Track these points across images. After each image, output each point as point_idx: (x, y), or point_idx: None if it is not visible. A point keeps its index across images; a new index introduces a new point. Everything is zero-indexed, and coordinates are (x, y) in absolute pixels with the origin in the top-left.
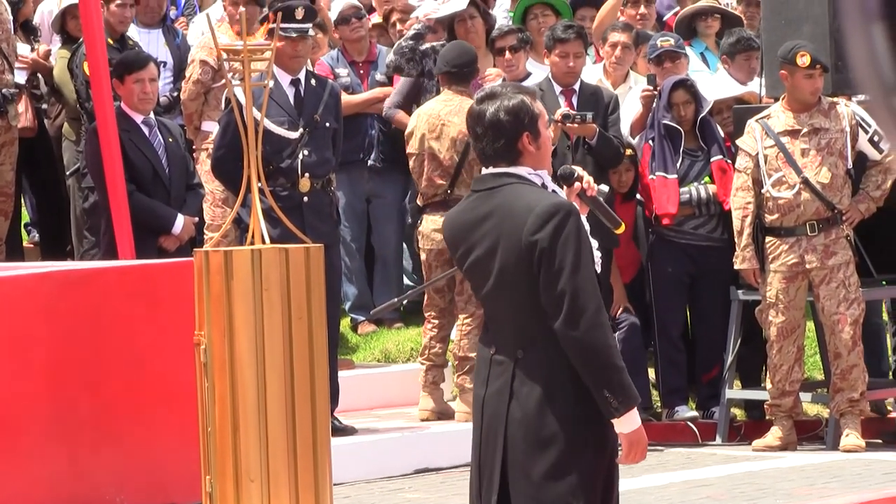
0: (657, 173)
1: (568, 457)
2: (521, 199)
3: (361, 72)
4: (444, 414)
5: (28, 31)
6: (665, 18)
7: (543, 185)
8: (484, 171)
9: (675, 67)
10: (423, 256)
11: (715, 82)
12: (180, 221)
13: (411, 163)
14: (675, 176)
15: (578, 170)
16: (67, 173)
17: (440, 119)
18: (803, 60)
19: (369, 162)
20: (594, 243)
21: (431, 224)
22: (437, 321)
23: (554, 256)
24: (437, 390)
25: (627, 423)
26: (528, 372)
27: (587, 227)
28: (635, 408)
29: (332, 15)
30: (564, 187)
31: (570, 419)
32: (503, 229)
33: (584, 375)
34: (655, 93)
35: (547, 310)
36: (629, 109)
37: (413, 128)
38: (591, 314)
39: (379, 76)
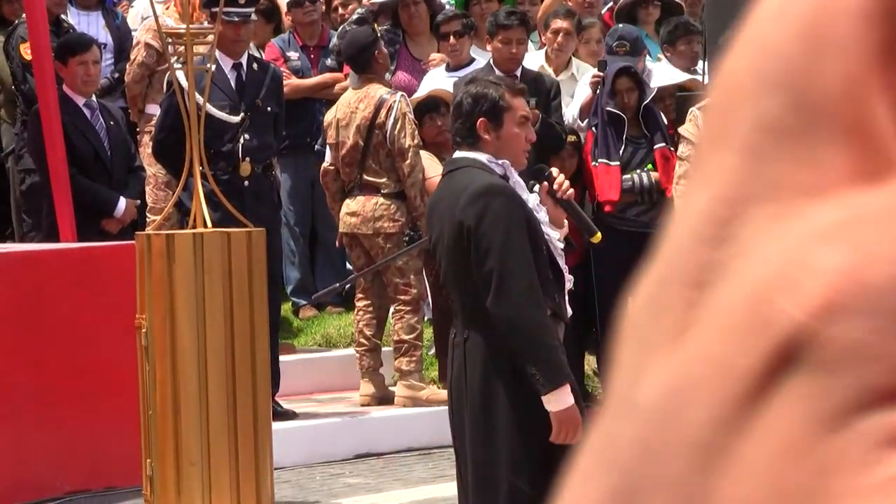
0: (600, 160)
1: (508, 436)
2: (465, 181)
3: (312, 56)
4: (385, 399)
5: None
6: (602, 13)
7: (505, 176)
8: (454, 155)
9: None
10: (341, 240)
11: (657, 70)
12: (122, 204)
13: (332, 152)
14: (618, 163)
15: (553, 170)
16: (2, 155)
17: (350, 107)
18: None
19: (316, 147)
20: (555, 234)
21: (345, 208)
22: (363, 303)
23: (481, 236)
24: (377, 375)
25: (556, 402)
26: (473, 353)
27: (543, 214)
28: (567, 387)
29: None
30: (535, 185)
31: (509, 399)
32: (447, 211)
33: (515, 352)
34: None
35: (479, 288)
36: (577, 95)
37: (332, 118)
38: (520, 292)
39: (329, 61)
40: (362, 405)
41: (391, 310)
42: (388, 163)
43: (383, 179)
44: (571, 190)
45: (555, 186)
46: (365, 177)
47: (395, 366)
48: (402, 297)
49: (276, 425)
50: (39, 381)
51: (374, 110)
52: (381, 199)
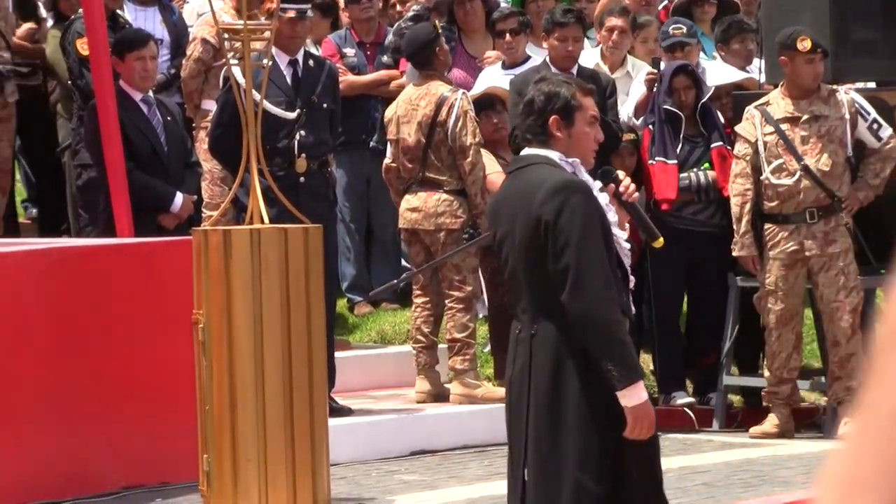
0: (657, 158)
1: (576, 431)
2: (539, 177)
3: (368, 53)
4: (440, 396)
5: (24, 9)
6: (659, 9)
7: (574, 174)
8: (521, 153)
9: (686, 56)
10: (400, 235)
11: (714, 68)
12: (179, 199)
13: (392, 148)
14: (675, 161)
15: (620, 173)
16: (58, 150)
17: (411, 104)
18: (804, 45)
19: (371, 143)
20: (622, 234)
21: (405, 204)
22: (421, 300)
23: (559, 231)
24: (433, 372)
25: (631, 397)
26: (540, 348)
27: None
28: (640, 382)
29: None
30: (601, 186)
31: (578, 395)
32: (520, 206)
33: (589, 348)
34: (660, 75)
35: (554, 283)
36: (632, 93)
37: (392, 114)
38: (596, 288)
39: (385, 58)
40: (418, 402)
41: (445, 307)
42: (450, 160)
43: (445, 177)
44: (637, 193)
45: (620, 189)
46: (426, 174)
47: (449, 365)
48: (456, 294)
49: (332, 422)
50: (96, 376)
51: (435, 108)
52: (444, 196)
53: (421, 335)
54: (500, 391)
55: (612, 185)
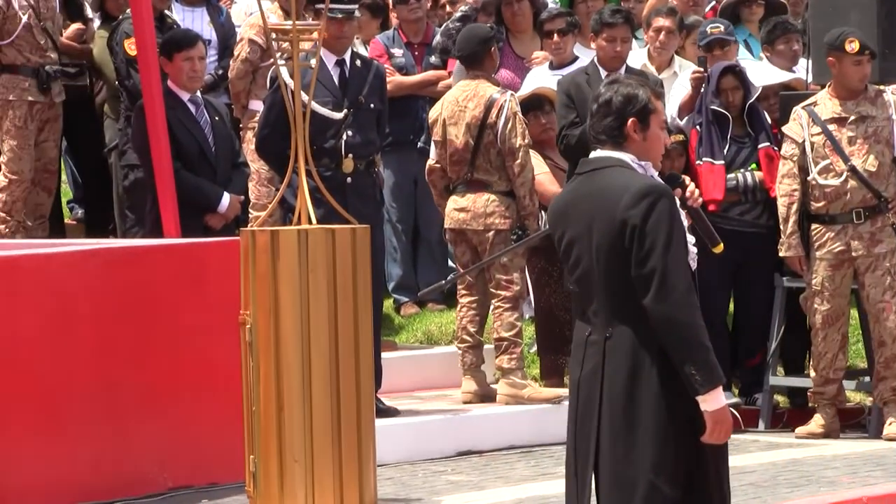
0: (704, 159)
1: (652, 435)
2: (619, 180)
3: (416, 53)
4: (486, 396)
5: (71, 9)
6: (706, 10)
7: (652, 178)
8: (592, 154)
9: (725, 54)
10: (446, 235)
11: (760, 69)
12: (226, 199)
13: (438, 149)
14: (722, 162)
15: (686, 178)
16: (105, 150)
17: (458, 105)
18: (852, 47)
19: (419, 144)
20: (691, 239)
21: (452, 204)
22: (467, 299)
23: (646, 235)
24: (479, 372)
25: (711, 402)
26: (616, 351)
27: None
28: (720, 388)
29: None
30: None
31: (654, 398)
32: (599, 209)
33: (671, 352)
34: (705, 75)
35: (637, 286)
36: (676, 94)
37: (437, 115)
38: (681, 292)
39: (433, 59)
40: (464, 402)
41: (491, 307)
42: (499, 161)
43: (494, 178)
44: (701, 198)
45: (687, 194)
46: (475, 175)
47: (496, 364)
48: (504, 294)
49: (379, 422)
50: (143, 376)
51: (484, 110)
52: (492, 196)
53: (467, 335)
54: (547, 391)
55: (679, 190)
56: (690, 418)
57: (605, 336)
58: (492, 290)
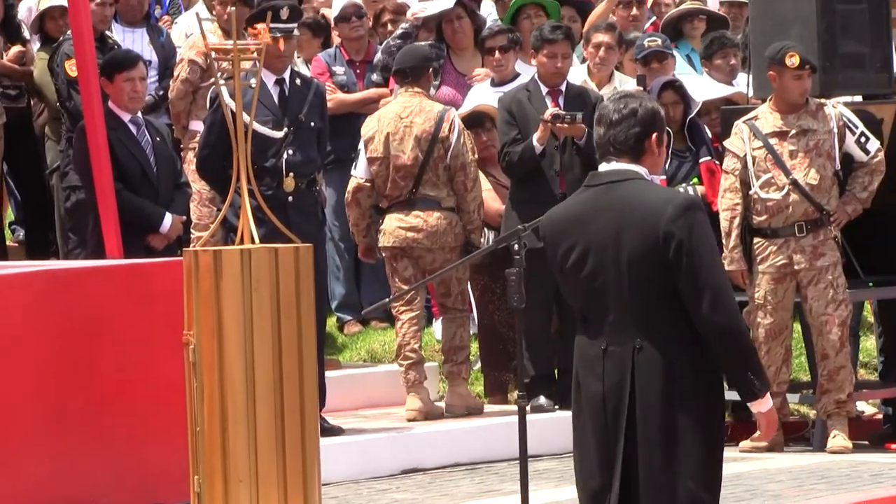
0: None
1: (691, 444)
2: (651, 192)
3: (358, 71)
4: (431, 414)
5: (8, 30)
6: (647, 25)
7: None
8: (602, 166)
9: (663, 68)
10: (384, 255)
11: (702, 83)
12: (168, 220)
13: (374, 167)
14: (664, 177)
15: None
16: (47, 172)
17: (402, 121)
18: (792, 61)
19: None
20: None
21: (396, 222)
22: (407, 316)
23: (693, 249)
24: (423, 389)
25: (766, 404)
26: (648, 362)
27: None
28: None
29: (333, 12)
30: None
31: (694, 408)
32: (629, 220)
33: (727, 359)
34: (647, 91)
35: (687, 299)
36: None
37: (374, 131)
38: (732, 302)
39: (375, 77)
40: (409, 420)
41: (443, 318)
42: (446, 177)
43: (442, 194)
44: None
45: None
46: (420, 191)
47: (445, 373)
48: (459, 307)
49: (323, 441)
50: (88, 397)
51: (434, 124)
52: (443, 213)
53: (410, 351)
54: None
55: None
56: (723, 427)
57: (635, 347)
58: (450, 305)
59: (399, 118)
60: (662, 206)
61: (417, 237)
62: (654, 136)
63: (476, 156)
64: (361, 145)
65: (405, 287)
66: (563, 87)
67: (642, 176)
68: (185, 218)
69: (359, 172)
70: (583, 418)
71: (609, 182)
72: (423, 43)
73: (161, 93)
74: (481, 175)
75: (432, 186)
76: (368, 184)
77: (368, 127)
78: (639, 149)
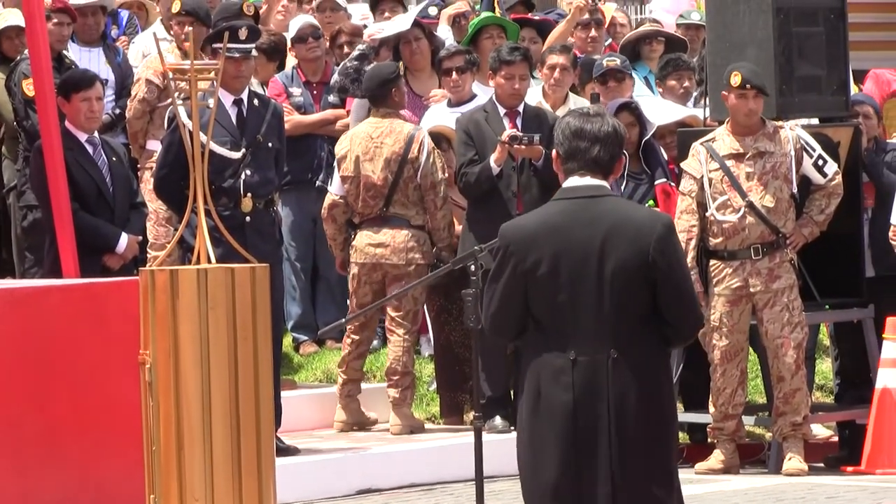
0: None
1: (671, 451)
2: (637, 209)
3: (315, 92)
4: (359, 425)
5: None
6: (605, 45)
7: None
8: (576, 180)
9: (620, 87)
10: (353, 270)
11: (659, 105)
12: (124, 240)
13: (346, 185)
14: None
15: None
16: (4, 191)
17: (373, 141)
18: (735, 80)
19: (318, 183)
20: None
21: (366, 239)
22: (356, 336)
23: (680, 265)
24: (354, 402)
25: None
26: (623, 372)
27: None
28: None
29: (290, 33)
30: None
31: (666, 419)
32: (618, 234)
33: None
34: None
35: (670, 306)
36: None
37: (346, 151)
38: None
39: (332, 98)
40: (338, 431)
41: (389, 340)
42: (416, 196)
43: (411, 213)
44: None
45: None
46: (390, 210)
47: (390, 395)
48: (406, 324)
49: (279, 461)
50: (43, 417)
51: (404, 145)
52: (412, 232)
53: (351, 368)
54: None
55: None
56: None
57: (609, 356)
58: (397, 325)
59: (370, 138)
60: (652, 224)
61: (385, 254)
62: (623, 157)
63: (446, 175)
64: (336, 163)
65: (357, 308)
66: (521, 109)
67: (612, 191)
68: (140, 238)
69: (333, 189)
70: (540, 426)
71: (589, 196)
72: (385, 62)
73: (118, 112)
74: None
75: (402, 206)
76: (342, 200)
77: (341, 146)
78: (611, 167)
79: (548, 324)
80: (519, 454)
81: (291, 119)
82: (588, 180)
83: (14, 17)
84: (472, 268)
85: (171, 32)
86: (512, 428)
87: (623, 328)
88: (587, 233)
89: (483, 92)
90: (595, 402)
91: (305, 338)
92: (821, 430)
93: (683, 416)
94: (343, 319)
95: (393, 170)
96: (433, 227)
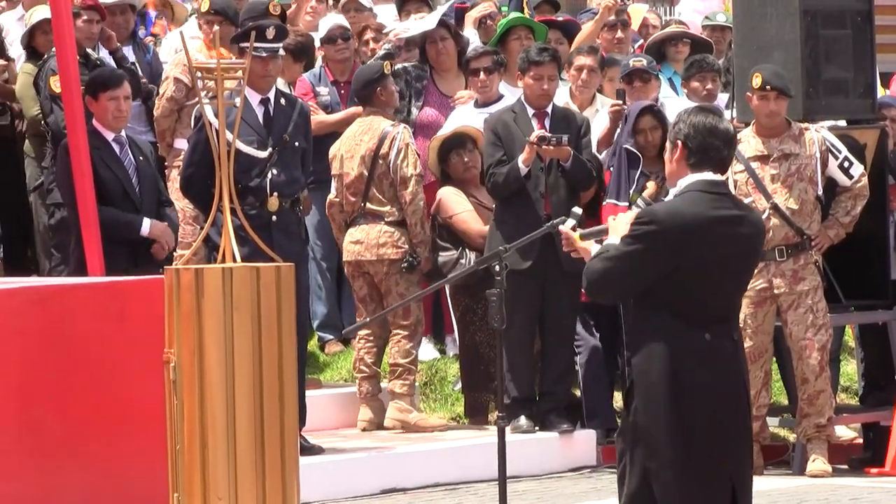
0: (608, 200)
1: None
2: (747, 206)
3: (342, 91)
4: (383, 425)
5: None
6: (634, 48)
7: None
8: (710, 175)
9: (646, 88)
10: (346, 269)
11: (684, 107)
12: (147, 224)
13: (335, 183)
14: (626, 203)
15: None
16: (29, 189)
17: (355, 139)
18: (756, 82)
19: None
20: None
21: (349, 237)
22: (365, 332)
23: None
24: (376, 401)
25: None
26: (742, 352)
27: None
28: None
29: (320, 33)
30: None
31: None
32: (741, 231)
33: None
34: (625, 107)
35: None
36: (597, 130)
37: (336, 151)
38: None
39: None
40: (361, 430)
41: (390, 334)
42: (392, 192)
43: (386, 208)
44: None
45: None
46: (368, 206)
47: (389, 388)
48: (403, 322)
49: (303, 460)
50: (67, 415)
51: (378, 141)
52: (385, 227)
53: (364, 365)
54: (435, 420)
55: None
56: None
57: (736, 340)
58: (389, 319)
59: (353, 137)
60: (756, 219)
61: (360, 250)
62: None
63: (418, 170)
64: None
65: (361, 306)
66: (550, 109)
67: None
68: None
69: (331, 189)
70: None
71: (719, 193)
72: (373, 63)
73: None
74: (463, 196)
75: (378, 202)
76: (337, 199)
77: (334, 147)
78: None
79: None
80: None
81: (314, 119)
82: (719, 177)
83: (46, 11)
84: (497, 268)
85: (202, 30)
86: (536, 428)
87: (738, 312)
88: (734, 230)
89: (510, 93)
90: (738, 381)
91: (331, 337)
92: (845, 432)
93: None
94: (368, 318)
95: (367, 165)
96: (407, 222)
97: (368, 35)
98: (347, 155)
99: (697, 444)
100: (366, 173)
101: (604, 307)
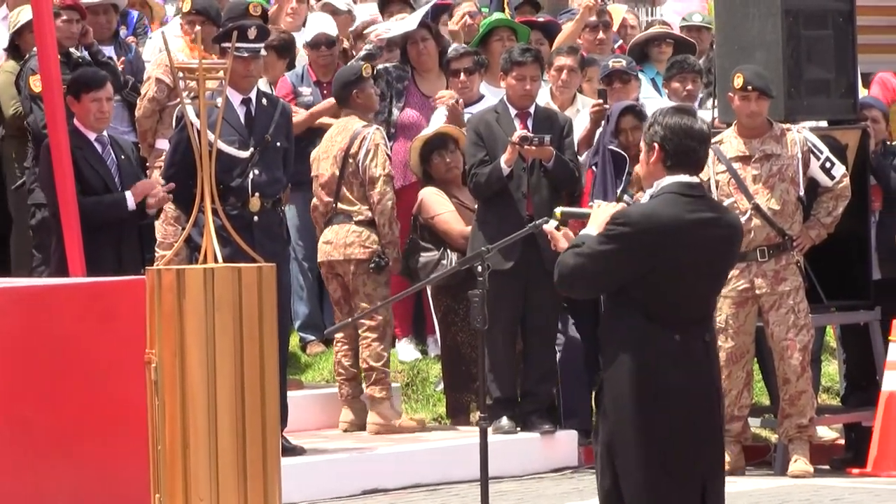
0: (595, 201)
1: None
2: (720, 204)
3: (325, 92)
4: (364, 426)
5: None
6: (615, 47)
7: None
8: (686, 177)
9: (625, 89)
10: (321, 271)
11: (659, 106)
12: (130, 196)
13: (314, 185)
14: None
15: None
16: (13, 188)
17: (330, 141)
18: (737, 82)
19: None
20: None
21: (322, 238)
22: (340, 335)
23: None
24: (358, 402)
25: None
26: (714, 353)
27: None
28: None
29: (305, 33)
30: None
31: None
32: (728, 231)
33: None
34: (606, 107)
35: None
36: (577, 130)
37: (317, 152)
38: None
39: None
40: (343, 431)
41: (359, 337)
42: (361, 192)
43: (356, 208)
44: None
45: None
46: (340, 205)
47: (368, 394)
48: (370, 324)
49: (285, 461)
50: (50, 416)
51: (349, 141)
52: (353, 227)
53: (342, 368)
54: (417, 419)
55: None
56: None
57: (704, 340)
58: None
59: (331, 138)
60: (735, 222)
61: (330, 250)
62: None
63: (386, 171)
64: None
65: (335, 307)
66: (532, 110)
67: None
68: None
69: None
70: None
71: (702, 195)
72: (352, 65)
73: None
74: (444, 197)
75: (349, 202)
76: (317, 201)
77: (315, 150)
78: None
79: (675, 305)
80: None
81: (295, 118)
82: (695, 179)
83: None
84: (479, 268)
85: (183, 30)
86: (518, 429)
87: (711, 312)
88: (711, 232)
89: (492, 93)
90: (711, 381)
91: (312, 337)
92: (826, 433)
93: None
94: (349, 319)
95: (339, 166)
96: (376, 223)
97: (351, 39)
98: (323, 156)
99: (670, 445)
100: (337, 173)
101: (585, 305)
